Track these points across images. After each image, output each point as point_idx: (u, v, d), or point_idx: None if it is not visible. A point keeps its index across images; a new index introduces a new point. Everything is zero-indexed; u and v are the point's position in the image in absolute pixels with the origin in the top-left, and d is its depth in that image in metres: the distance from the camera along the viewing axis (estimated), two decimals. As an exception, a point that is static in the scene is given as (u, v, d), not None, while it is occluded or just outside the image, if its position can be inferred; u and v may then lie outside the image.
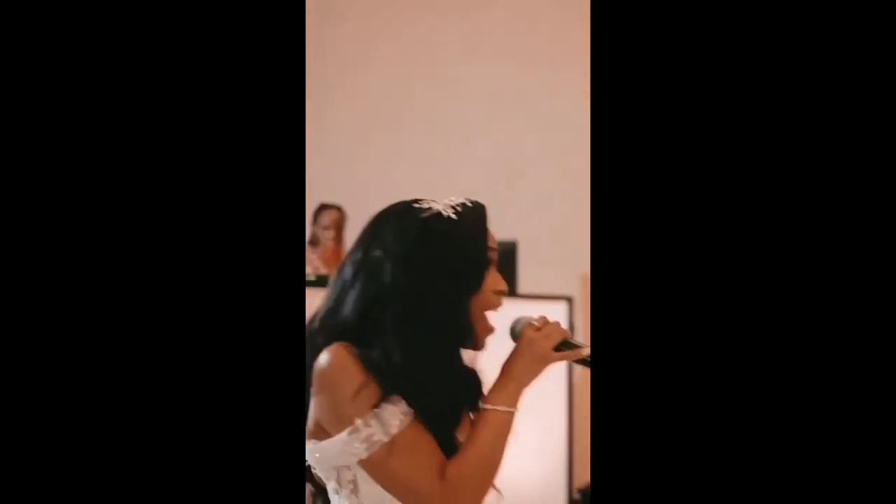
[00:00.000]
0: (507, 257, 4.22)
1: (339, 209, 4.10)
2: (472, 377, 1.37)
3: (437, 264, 1.30)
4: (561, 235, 5.02)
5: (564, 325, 1.50)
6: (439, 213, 1.33)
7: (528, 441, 3.33)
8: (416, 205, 1.35)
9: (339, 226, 4.05)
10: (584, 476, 3.94)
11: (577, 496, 3.82)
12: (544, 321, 1.36)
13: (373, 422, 1.23)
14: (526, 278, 4.35)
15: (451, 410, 1.31)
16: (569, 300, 3.66)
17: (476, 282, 1.32)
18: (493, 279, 1.35)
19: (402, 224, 1.33)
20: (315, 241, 4.14)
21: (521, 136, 5.37)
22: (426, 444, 1.25)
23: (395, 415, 1.24)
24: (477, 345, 1.35)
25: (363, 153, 5.41)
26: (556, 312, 3.37)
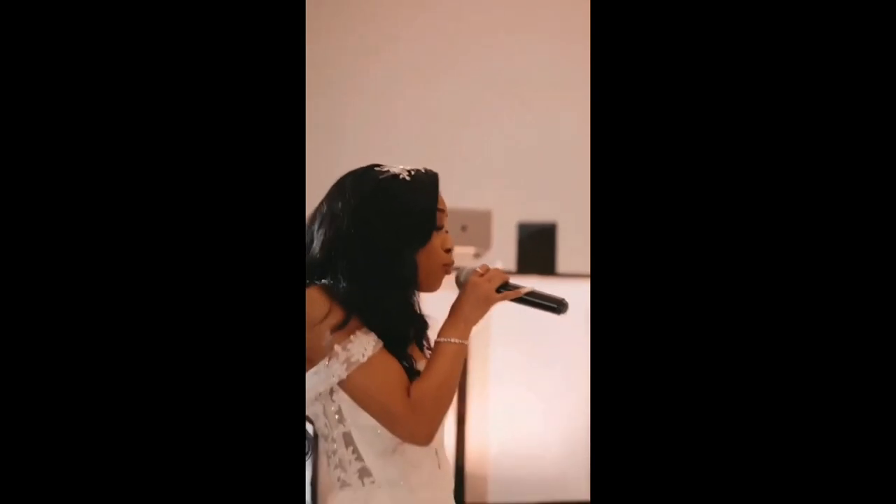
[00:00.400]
0: (547, 238, 4.47)
1: None
2: (418, 315, 1.58)
3: (386, 218, 1.49)
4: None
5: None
6: (395, 175, 1.52)
7: (545, 410, 3.52)
8: (377, 168, 1.54)
9: None
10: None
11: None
12: (486, 268, 1.56)
13: (350, 346, 1.45)
14: (565, 258, 4.58)
15: (399, 332, 1.51)
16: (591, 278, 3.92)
17: (422, 237, 1.51)
18: (442, 238, 1.54)
19: (360, 182, 1.52)
20: None
21: (554, 118, 5.56)
22: (395, 368, 1.47)
23: (368, 341, 1.46)
24: (430, 288, 1.55)
25: (366, 144, 5.60)
26: (583, 290, 3.63)
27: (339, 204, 1.51)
